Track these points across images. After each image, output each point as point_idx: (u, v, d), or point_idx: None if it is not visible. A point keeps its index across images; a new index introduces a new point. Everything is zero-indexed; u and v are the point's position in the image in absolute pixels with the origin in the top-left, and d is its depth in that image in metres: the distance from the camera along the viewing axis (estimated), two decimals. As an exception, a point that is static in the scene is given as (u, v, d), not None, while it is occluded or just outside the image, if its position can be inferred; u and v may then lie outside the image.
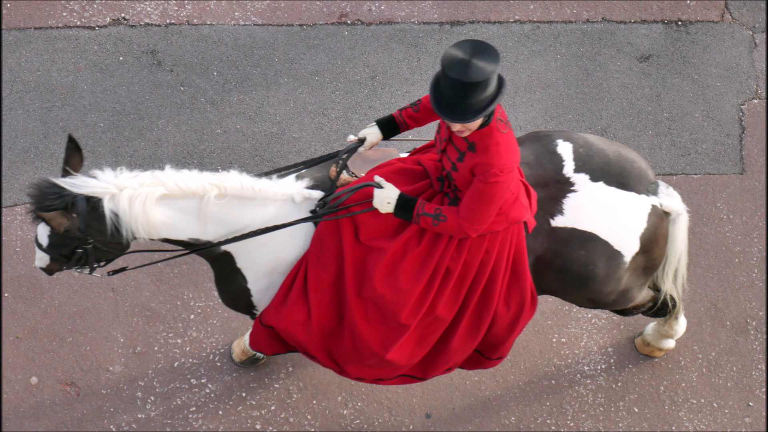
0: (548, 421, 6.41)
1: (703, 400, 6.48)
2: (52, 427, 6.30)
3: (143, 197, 5.03)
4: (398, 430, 6.36)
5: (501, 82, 4.81)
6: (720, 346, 6.60)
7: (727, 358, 6.56)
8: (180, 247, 5.33)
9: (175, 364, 6.45)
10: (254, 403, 6.38)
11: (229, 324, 6.53)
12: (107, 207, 5.02)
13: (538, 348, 6.55)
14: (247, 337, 6.27)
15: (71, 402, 6.37)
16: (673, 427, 6.43)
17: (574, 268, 5.44)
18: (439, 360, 5.61)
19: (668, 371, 6.52)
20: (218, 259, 5.42)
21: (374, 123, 5.42)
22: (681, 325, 6.30)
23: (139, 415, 6.35)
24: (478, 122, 4.86)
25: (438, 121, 5.29)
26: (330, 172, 5.41)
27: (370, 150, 5.48)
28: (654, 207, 5.47)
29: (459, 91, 4.72)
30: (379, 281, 5.26)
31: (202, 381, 6.43)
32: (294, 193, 5.29)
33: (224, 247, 5.34)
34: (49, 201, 4.99)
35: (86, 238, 5.09)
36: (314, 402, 6.39)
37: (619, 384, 6.50)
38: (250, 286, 5.47)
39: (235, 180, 5.17)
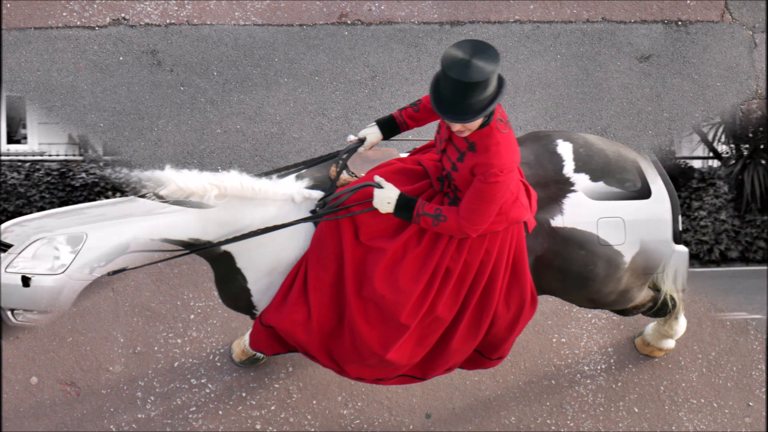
0: (548, 421, 6.41)
1: (703, 400, 6.48)
2: (52, 427, 6.30)
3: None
4: (398, 430, 6.36)
5: (501, 82, 4.81)
6: (720, 346, 6.60)
7: (727, 358, 6.56)
8: (180, 247, 5.33)
9: (175, 364, 6.45)
10: (254, 403, 6.38)
11: (229, 324, 6.53)
12: (107, 207, 5.03)
13: (538, 348, 6.54)
14: (247, 337, 6.26)
15: (71, 402, 6.37)
16: (673, 427, 6.42)
17: (574, 268, 5.44)
18: (439, 360, 5.61)
19: (668, 371, 6.51)
20: (218, 259, 5.41)
21: (374, 123, 5.42)
22: (681, 325, 6.29)
23: (139, 415, 6.35)
24: (478, 122, 4.86)
25: (438, 121, 5.29)
26: (330, 172, 5.40)
27: (370, 150, 5.47)
28: (654, 207, 5.47)
29: (459, 91, 4.71)
30: (379, 281, 5.26)
31: (202, 381, 6.43)
32: (294, 193, 5.28)
33: (224, 247, 5.33)
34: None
35: (86, 238, 5.10)
36: (314, 402, 6.38)
37: (619, 384, 6.49)
38: (250, 286, 5.47)
39: (235, 180, 5.17)
